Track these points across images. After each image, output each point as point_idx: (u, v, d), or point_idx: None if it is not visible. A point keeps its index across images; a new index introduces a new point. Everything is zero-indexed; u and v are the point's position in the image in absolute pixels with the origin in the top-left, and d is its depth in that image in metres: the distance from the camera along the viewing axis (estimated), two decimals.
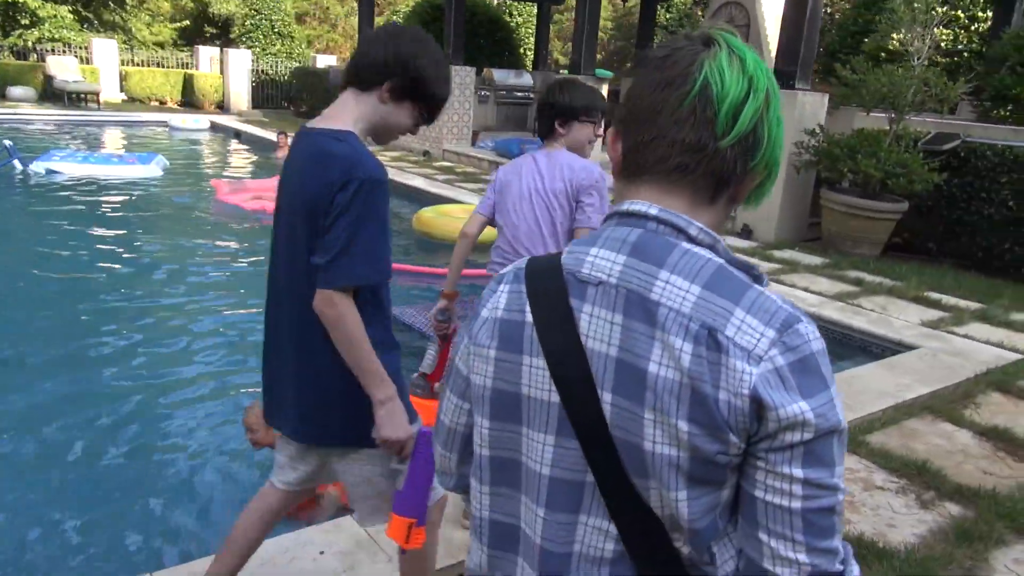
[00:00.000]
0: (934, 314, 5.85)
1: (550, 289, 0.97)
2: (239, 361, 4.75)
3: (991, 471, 3.42)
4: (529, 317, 0.97)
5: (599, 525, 0.94)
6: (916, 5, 12.81)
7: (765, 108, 0.94)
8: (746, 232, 8.41)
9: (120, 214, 8.59)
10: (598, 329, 0.92)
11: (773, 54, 13.89)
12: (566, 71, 10.86)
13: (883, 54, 11.81)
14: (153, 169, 10.74)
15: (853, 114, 8.69)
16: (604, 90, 10.71)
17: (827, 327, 5.43)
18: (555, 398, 0.95)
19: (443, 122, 13.33)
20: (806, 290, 6.28)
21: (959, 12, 11.99)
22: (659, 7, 16.49)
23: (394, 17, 23.71)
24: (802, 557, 0.86)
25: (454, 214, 7.83)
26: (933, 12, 9.27)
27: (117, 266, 6.62)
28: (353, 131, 1.78)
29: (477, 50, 16.39)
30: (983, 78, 8.65)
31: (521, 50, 19.73)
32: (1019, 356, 4.97)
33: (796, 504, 0.85)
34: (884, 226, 7.66)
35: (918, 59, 7.42)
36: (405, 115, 1.85)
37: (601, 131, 2.77)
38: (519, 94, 16.06)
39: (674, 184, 0.96)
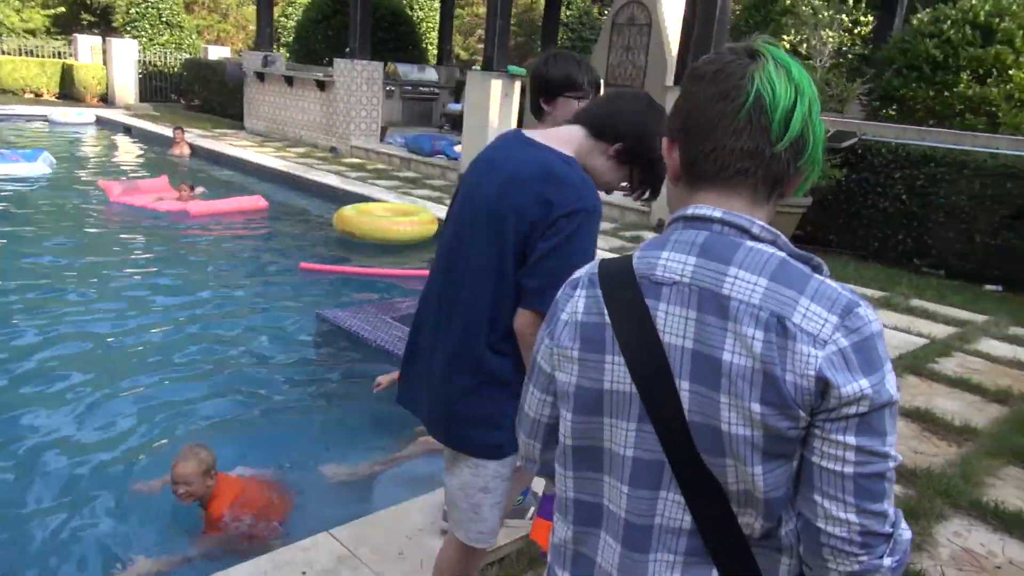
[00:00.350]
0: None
1: (625, 292, 1.06)
2: (144, 377, 4.39)
3: (921, 450, 3.68)
4: (607, 318, 1.05)
5: (678, 499, 1.03)
6: (804, 8, 13.50)
7: (809, 112, 1.01)
8: (661, 226, 8.66)
9: (4, 218, 7.96)
10: (674, 325, 1.01)
11: (675, 54, 14.40)
12: (479, 67, 10.83)
13: None
14: (40, 167, 10.02)
15: None
16: (517, 88, 10.75)
17: None
18: (633, 389, 1.04)
19: (351, 117, 13.06)
20: None
21: (844, 16, 12.76)
22: (561, 4, 16.66)
23: (290, 8, 22.97)
24: (852, 517, 0.94)
25: (375, 212, 7.70)
26: (823, 15, 9.80)
27: (5, 277, 6.14)
28: (575, 159, 1.79)
29: (380, 44, 16.11)
30: (873, 79, 9.22)
31: (423, 45, 19.54)
32: (925, 340, 5.35)
33: (848, 469, 0.94)
34: (791, 220, 8.06)
35: (820, 60, 7.83)
36: (619, 176, 1.88)
37: None
38: (424, 89, 15.94)
39: (734, 188, 1.03)
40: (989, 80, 8.46)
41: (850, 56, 12.03)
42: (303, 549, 2.59)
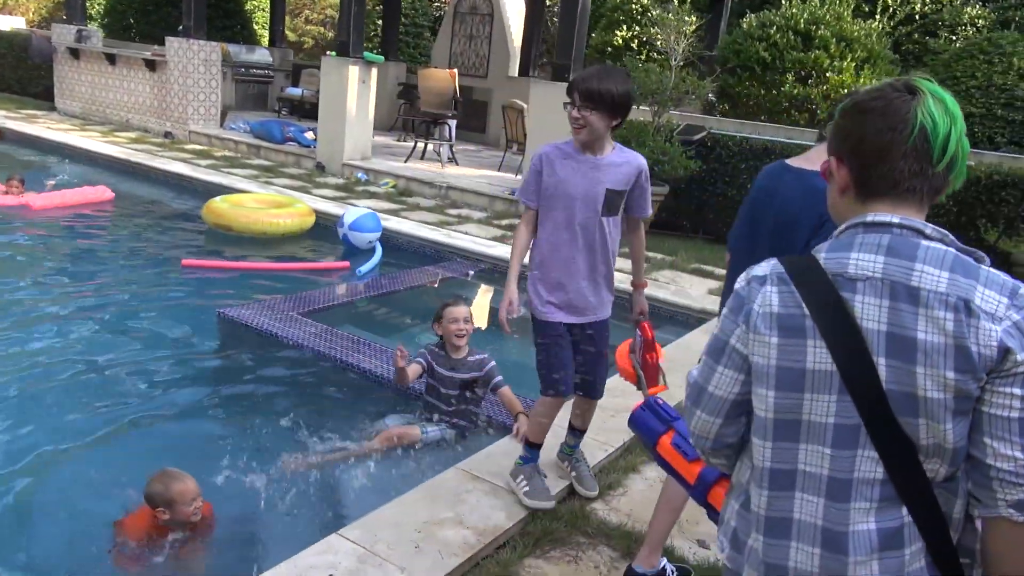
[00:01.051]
0: (714, 283, 6.84)
1: (822, 288, 1.29)
2: (30, 403, 3.88)
3: None
4: (806, 310, 1.28)
5: (872, 455, 1.26)
6: (633, 5, 14.28)
7: (960, 136, 1.27)
8: None
9: None
10: (870, 312, 1.24)
11: (517, 43, 14.78)
12: (333, 53, 10.48)
13: (609, 48, 13.15)
14: None
15: None
16: (374, 75, 10.60)
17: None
18: (833, 368, 1.26)
19: (188, 101, 12.25)
20: None
21: (671, 15, 13.73)
22: None
23: None
24: (1019, 454, 1.19)
25: (248, 204, 7.38)
26: (653, 14, 10.50)
27: None
28: None
29: (207, 22, 15.17)
30: (717, 78, 10.07)
31: (253, 25, 18.58)
32: None
33: (1015, 414, 1.19)
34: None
35: (675, 60, 8.46)
36: None
37: (575, 112, 2.73)
38: (258, 71, 15.22)
39: (905, 199, 1.29)
40: (810, 81, 9.55)
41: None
42: (319, 553, 2.58)
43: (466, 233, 7.81)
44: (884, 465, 1.26)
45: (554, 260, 2.92)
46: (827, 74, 9.43)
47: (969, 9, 12.42)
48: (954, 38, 12.26)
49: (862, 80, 9.58)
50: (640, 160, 2.90)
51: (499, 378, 3.85)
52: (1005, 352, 1.17)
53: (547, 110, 8.82)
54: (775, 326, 1.30)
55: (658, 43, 8.76)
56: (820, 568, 1.31)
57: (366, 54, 10.52)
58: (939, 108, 1.24)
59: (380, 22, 16.99)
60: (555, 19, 18.25)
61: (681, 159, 8.20)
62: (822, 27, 9.57)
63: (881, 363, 1.23)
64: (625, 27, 13.15)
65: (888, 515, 1.27)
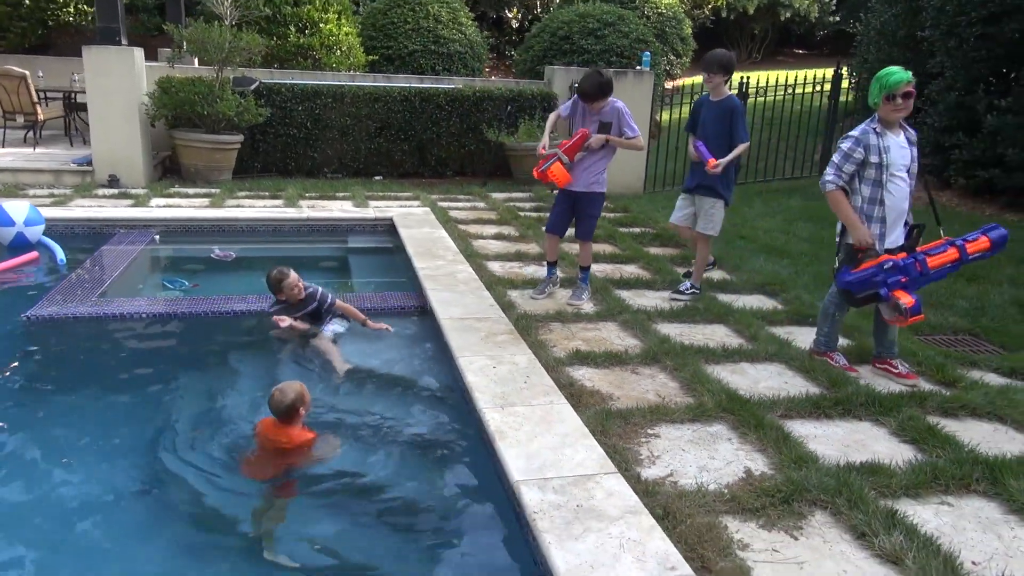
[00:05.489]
0: (348, 203, 8.58)
1: None
2: None
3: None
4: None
5: None
6: None
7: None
8: (114, 181, 8.91)
9: None
10: None
11: None
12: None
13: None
14: None
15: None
16: None
17: (336, 223, 7.61)
18: None
19: None
20: (264, 207, 8.02)
21: None
22: None
23: None
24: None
25: None
26: None
27: None
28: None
29: None
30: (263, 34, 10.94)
31: None
32: (414, 209, 8.29)
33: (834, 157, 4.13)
34: (232, 155, 9.60)
35: (229, 20, 9.32)
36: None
37: (593, 106, 5.09)
38: None
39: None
40: (307, 31, 11.38)
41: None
42: (483, 365, 4.07)
43: (100, 206, 7.72)
44: None
45: None
46: (320, 25, 11.39)
47: None
48: None
49: (342, 29, 11.83)
50: (617, 104, 5.09)
51: (331, 298, 4.99)
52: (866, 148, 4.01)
53: (104, 75, 8.77)
54: None
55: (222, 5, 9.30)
56: None
57: None
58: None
59: None
60: None
61: (255, 109, 9.35)
62: None
63: None
64: None
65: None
